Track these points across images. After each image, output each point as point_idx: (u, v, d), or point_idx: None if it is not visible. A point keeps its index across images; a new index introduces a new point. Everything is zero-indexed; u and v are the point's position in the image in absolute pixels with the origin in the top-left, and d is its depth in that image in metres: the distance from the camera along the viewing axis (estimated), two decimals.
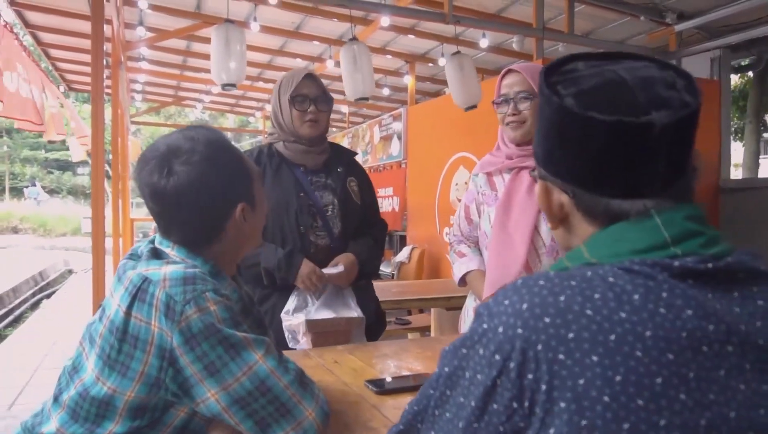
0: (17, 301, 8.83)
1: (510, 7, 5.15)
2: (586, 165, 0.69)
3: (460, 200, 2.07)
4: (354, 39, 4.20)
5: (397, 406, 1.19)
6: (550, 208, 0.75)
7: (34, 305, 8.84)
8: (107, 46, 4.89)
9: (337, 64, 6.24)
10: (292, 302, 1.89)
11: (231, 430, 1.00)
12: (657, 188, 0.68)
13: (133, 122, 10.77)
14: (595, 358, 0.57)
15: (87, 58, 6.93)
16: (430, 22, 5.25)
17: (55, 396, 1.05)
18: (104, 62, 3.71)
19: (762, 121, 8.28)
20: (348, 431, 1.08)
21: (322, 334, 1.83)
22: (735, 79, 9.16)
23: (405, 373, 1.43)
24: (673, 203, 0.68)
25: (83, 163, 24.73)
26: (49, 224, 20.45)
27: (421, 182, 5.76)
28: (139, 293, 0.98)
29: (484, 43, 5.57)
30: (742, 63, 6.35)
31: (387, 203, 6.89)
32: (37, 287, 10.20)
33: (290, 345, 1.85)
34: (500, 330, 0.63)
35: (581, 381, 0.57)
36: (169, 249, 1.10)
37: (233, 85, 3.91)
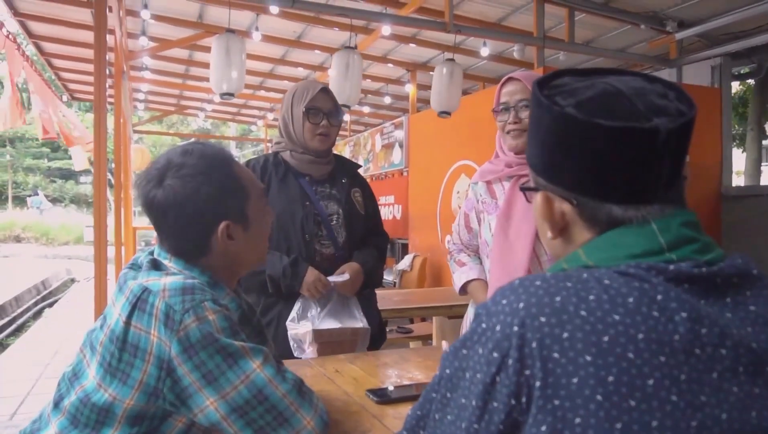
0: (19, 310, 8.83)
1: (510, 16, 5.17)
2: (590, 172, 0.70)
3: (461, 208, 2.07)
4: (350, 47, 4.23)
5: (398, 416, 1.19)
6: (551, 218, 0.75)
7: (37, 314, 8.84)
8: (110, 56, 4.91)
9: None
10: (296, 311, 1.89)
11: None
12: (659, 194, 0.69)
13: (135, 131, 10.80)
14: (588, 358, 0.58)
15: (90, 67, 6.96)
16: (431, 31, 5.27)
17: (55, 402, 1.06)
18: (107, 72, 3.73)
19: (763, 128, 8.28)
20: None
21: (329, 344, 1.83)
22: (735, 86, 9.17)
23: (406, 382, 1.43)
24: (672, 210, 0.69)
25: (86, 172, 24.81)
26: (52, 232, 20.46)
27: (423, 190, 5.76)
28: (139, 303, 0.99)
29: (484, 51, 5.59)
30: (742, 71, 6.35)
31: (389, 211, 6.90)
32: (39, 296, 10.21)
33: (295, 354, 1.85)
34: (498, 328, 0.64)
35: (575, 380, 0.58)
36: (167, 261, 1.11)
37: (232, 95, 3.93)
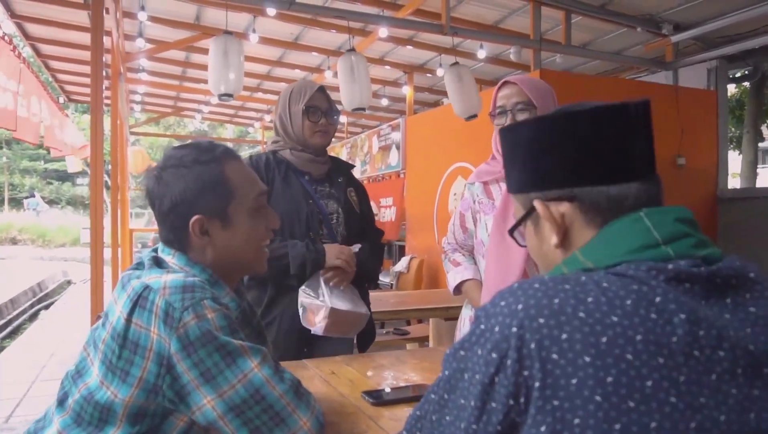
0: (15, 312, 8.81)
1: (507, 18, 5.19)
2: (578, 159, 0.74)
3: None
4: (351, 50, 4.23)
5: (394, 417, 1.19)
6: (554, 221, 0.77)
7: (33, 317, 8.82)
8: (107, 58, 4.91)
9: (336, 74, 6.28)
10: (308, 285, 1.90)
11: None
12: (645, 169, 0.74)
13: (132, 133, 10.79)
14: (587, 359, 0.59)
15: (86, 69, 6.96)
16: (428, 33, 5.28)
17: (60, 400, 1.07)
18: (104, 73, 3.73)
19: (759, 131, 8.29)
20: None
21: (337, 322, 1.85)
22: (731, 89, 9.20)
23: (402, 384, 1.43)
24: (657, 189, 0.74)
25: (82, 173, 24.74)
26: (48, 234, 20.43)
27: (420, 191, 5.77)
28: (139, 301, 1.00)
29: (481, 54, 5.61)
30: (738, 74, 6.37)
31: (387, 213, 6.90)
32: (35, 298, 10.19)
33: (302, 322, 1.85)
34: (497, 329, 0.65)
35: (574, 381, 0.59)
36: (170, 257, 1.13)
37: (230, 96, 3.93)
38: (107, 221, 4.74)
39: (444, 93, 6.23)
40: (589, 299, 0.62)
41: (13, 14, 5.53)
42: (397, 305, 3.44)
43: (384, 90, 7.84)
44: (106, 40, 4.76)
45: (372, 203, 2.38)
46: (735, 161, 9.58)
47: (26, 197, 26.25)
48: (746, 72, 6.25)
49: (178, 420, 1.01)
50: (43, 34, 6.22)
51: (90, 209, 3.47)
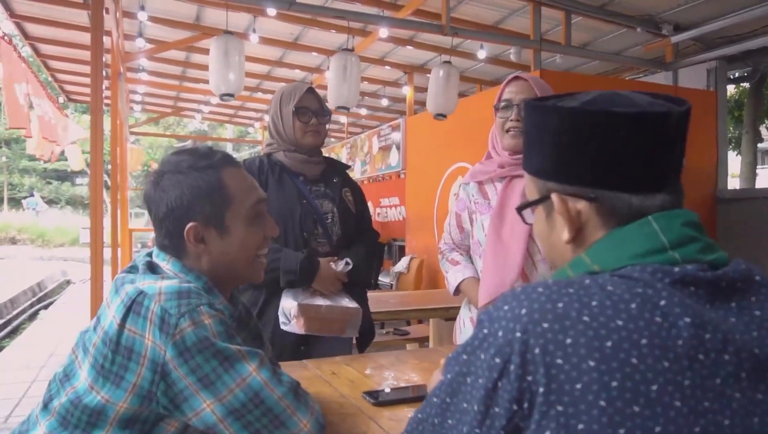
0: (15, 312, 8.80)
1: (507, 18, 5.19)
2: (608, 163, 0.71)
3: None
4: (348, 50, 4.24)
5: (394, 418, 1.19)
6: (570, 218, 0.75)
7: (32, 316, 8.81)
8: (107, 58, 4.91)
9: None
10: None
11: None
12: (672, 182, 0.72)
13: (132, 133, 10.79)
14: (591, 363, 0.58)
15: (86, 69, 6.96)
16: (428, 34, 5.28)
17: (45, 403, 1.05)
18: (104, 73, 3.72)
19: (758, 131, 8.30)
20: None
21: (316, 319, 1.85)
22: (731, 89, 9.20)
23: (402, 385, 1.43)
24: (679, 200, 0.72)
25: (82, 173, 24.71)
26: (48, 234, 20.41)
27: (420, 192, 5.77)
28: (133, 306, 0.98)
29: (481, 54, 5.61)
30: (737, 75, 6.37)
31: (392, 212, 6.90)
32: (35, 298, 10.17)
33: (281, 326, 1.86)
34: (500, 334, 0.64)
35: (578, 386, 0.58)
36: (165, 263, 1.12)
37: (231, 96, 3.93)
38: (107, 221, 4.74)
39: None
40: (594, 303, 0.62)
41: (12, 14, 5.53)
42: (398, 306, 3.43)
43: (384, 90, 7.84)
44: (106, 40, 4.76)
45: (370, 204, 2.38)
46: (733, 161, 9.58)
47: (25, 197, 26.23)
48: (745, 73, 6.26)
49: (169, 426, 1.00)
50: (43, 33, 6.22)
51: (90, 209, 3.47)
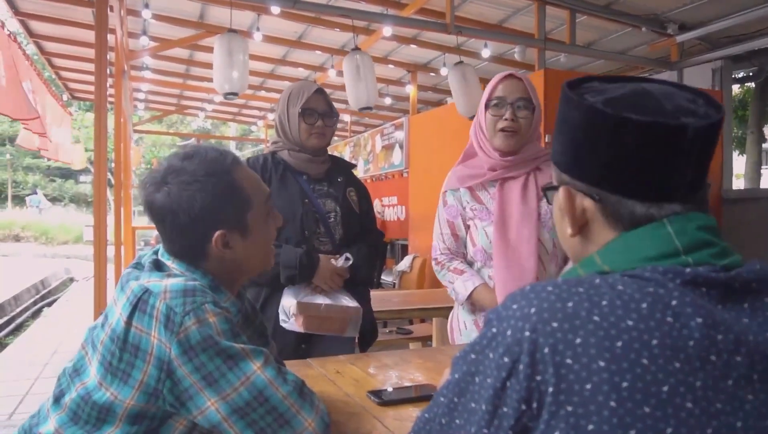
0: (18, 309, 8.82)
1: (512, 17, 5.18)
2: (615, 167, 0.70)
3: None
4: (356, 49, 4.23)
5: (399, 417, 1.19)
6: (572, 214, 0.75)
7: (36, 314, 8.83)
8: (111, 56, 4.92)
9: (339, 73, 6.27)
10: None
11: None
12: (683, 195, 0.70)
13: (135, 131, 10.80)
14: (602, 364, 0.58)
15: (90, 66, 6.96)
16: (432, 32, 5.27)
17: (56, 397, 1.06)
18: (108, 71, 3.73)
19: (762, 132, 8.29)
20: None
21: (316, 318, 1.84)
22: (735, 89, 9.18)
23: (407, 384, 1.43)
24: (691, 212, 0.69)
25: (85, 171, 24.74)
26: (51, 232, 20.44)
27: (423, 191, 5.76)
28: (139, 304, 0.99)
29: (485, 53, 5.60)
30: (741, 75, 6.36)
31: (392, 212, 6.89)
32: (38, 296, 10.19)
33: (281, 323, 1.86)
34: (509, 333, 0.63)
35: (588, 386, 0.57)
36: (170, 262, 1.12)
37: (235, 94, 3.93)
38: (110, 219, 4.75)
39: (448, 92, 6.23)
40: (604, 303, 0.61)
41: (17, 12, 5.54)
42: (400, 305, 3.43)
43: (387, 89, 7.83)
44: (110, 38, 4.76)
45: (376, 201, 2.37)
46: (738, 162, 9.56)
47: (29, 195, 26.29)
48: (750, 73, 6.24)
49: (177, 424, 1.01)
50: (47, 31, 6.23)
51: (94, 207, 3.47)
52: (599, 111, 0.69)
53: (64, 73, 8.18)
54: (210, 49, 4.74)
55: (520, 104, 1.84)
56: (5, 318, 8.03)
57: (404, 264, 5.78)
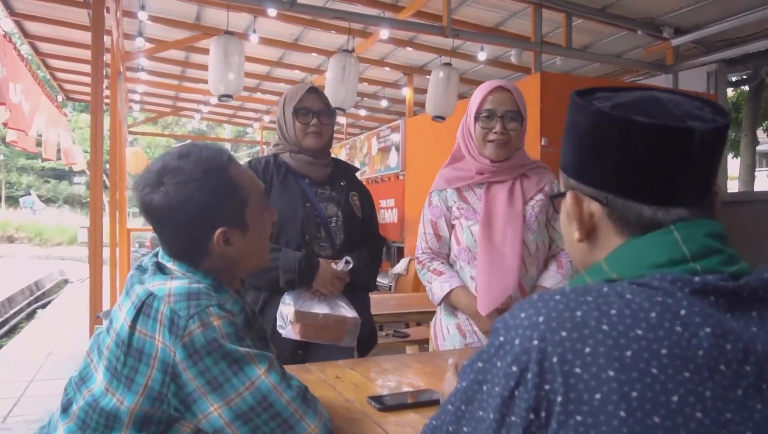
0: (12, 311, 8.78)
1: (508, 20, 5.19)
2: (623, 170, 0.70)
3: None
4: (348, 51, 4.24)
5: (400, 423, 1.18)
6: (580, 218, 0.75)
7: (30, 316, 8.80)
8: (106, 57, 4.89)
9: None
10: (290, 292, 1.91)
11: None
12: (691, 199, 0.70)
13: (130, 132, 10.77)
14: (611, 373, 0.58)
15: (85, 68, 6.95)
16: (429, 35, 5.28)
17: (64, 407, 1.06)
18: (103, 73, 3.71)
19: (756, 134, 8.32)
20: None
21: (313, 327, 1.84)
22: (729, 92, 9.22)
23: (407, 389, 1.43)
24: (699, 218, 0.69)
25: (80, 172, 24.63)
26: (45, 233, 20.36)
27: (419, 193, 5.76)
28: (144, 308, 0.99)
29: (482, 56, 5.60)
30: (734, 78, 6.39)
31: (388, 214, 6.89)
32: (32, 297, 10.16)
33: (278, 329, 1.86)
34: (517, 342, 0.63)
35: (597, 395, 0.57)
36: (170, 264, 1.11)
37: (230, 97, 3.92)
38: (105, 221, 4.73)
39: None
40: (613, 312, 0.61)
41: (12, 12, 5.52)
42: (397, 308, 3.44)
43: (384, 91, 7.83)
44: (106, 40, 4.75)
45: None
46: (731, 164, 9.59)
47: (23, 196, 26.16)
48: (745, 76, 6.27)
49: (183, 427, 1.00)
50: (43, 32, 6.20)
51: (90, 209, 3.46)
52: (607, 114, 0.70)
53: (58, 74, 8.14)
54: (206, 51, 4.71)
55: (510, 116, 1.87)
56: None
57: (400, 267, 5.78)
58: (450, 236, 1.97)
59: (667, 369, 0.57)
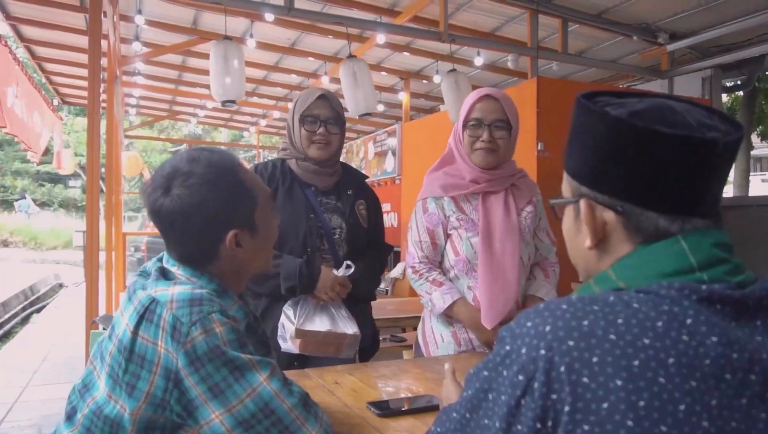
0: (7, 316, 8.73)
1: (504, 26, 5.21)
2: (643, 180, 0.70)
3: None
4: (352, 56, 4.24)
5: (400, 429, 1.18)
6: (594, 226, 0.75)
7: (24, 320, 8.75)
8: (103, 61, 4.88)
9: (332, 80, 6.28)
10: (294, 299, 1.89)
11: None
12: (708, 209, 0.70)
13: (126, 136, 10.75)
14: (619, 382, 0.58)
15: (81, 71, 6.92)
16: (425, 40, 5.29)
17: (68, 415, 1.06)
18: (100, 77, 3.70)
19: (750, 139, 8.37)
20: None
21: (313, 342, 1.84)
22: (724, 97, 9.27)
23: (406, 395, 1.43)
24: (708, 229, 0.70)
25: (75, 176, 24.54)
26: (40, 237, 20.27)
27: (415, 198, 5.76)
28: (146, 314, 0.99)
29: (478, 61, 5.62)
30: (728, 84, 6.43)
31: (384, 219, 6.88)
32: (27, 302, 10.10)
33: (279, 340, 1.84)
34: (523, 351, 0.63)
35: (605, 405, 0.57)
36: (175, 268, 1.11)
37: (233, 102, 3.93)
38: (101, 225, 4.71)
39: (440, 99, 6.25)
40: (619, 321, 0.61)
41: (8, 16, 5.51)
42: (395, 313, 3.43)
43: (380, 96, 7.84)
44: (103, 44, 4.74)
45: None
46: None
47: (17, 199, 26.05)
48: (739, 81, 6.30)
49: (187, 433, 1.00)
50: (39, 36, 6.19)
51: (86, 213, 3.44)
52: (628, 124, 0.69)
53: (55, 78, 8.13)
54: (202, 55, 4.73)
55: (497, 125, 1.88)
56: None
57: (397, 271, 5.77)
58: (446, 245, 1.94)
59: (675, 378, 0.57)
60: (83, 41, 4.15)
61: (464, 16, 5.03)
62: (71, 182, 27.79)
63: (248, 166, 1.35)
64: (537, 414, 0.60)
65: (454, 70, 4.61)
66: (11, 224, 21.37)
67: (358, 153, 8.23)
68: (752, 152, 10.05)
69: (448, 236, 1.94)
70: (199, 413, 0.96)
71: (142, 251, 11.29)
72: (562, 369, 0.60)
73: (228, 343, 0.98)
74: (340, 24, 4.39)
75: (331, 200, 2.00)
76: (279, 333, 1.86)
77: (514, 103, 1.97)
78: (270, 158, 2.17)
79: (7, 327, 8.18)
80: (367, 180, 2.23)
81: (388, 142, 7.29)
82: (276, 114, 9.27)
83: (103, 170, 5.71)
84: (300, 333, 1.82)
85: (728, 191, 10.20)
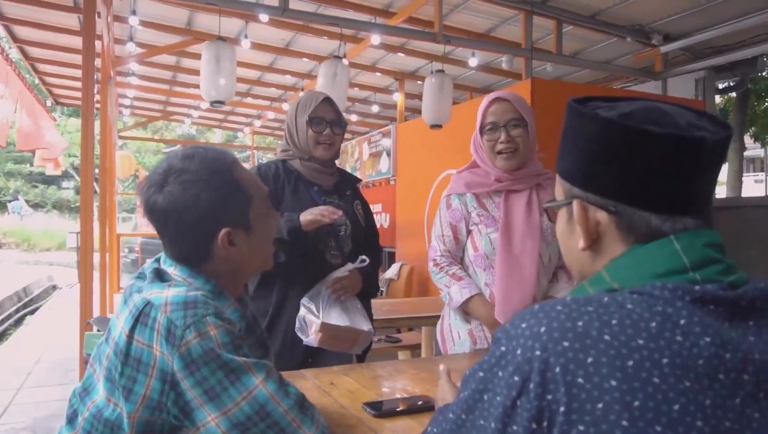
0: (0, 318, 8.69)
1: (499, 27, 5.22)
2: (634, 179, 0.70)
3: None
4: (338, 57, 4.25)
5: (396, 429, 1.19)
6: (587, 227, 0.75)
7: (18, 322, 8.70)
8: (97, 62, 4.87)
9: None
10: (311, 293, 1.90)
11: None
12: (697, 208, 0.71)
13: (120, 137, 10.72)
14: (613, 383, 0.58)
15: (75, 72, 6.91)
16: (420, 41, 5.30)
17: (69, 418, 1.06)
18: (94, 77, 3.69)
19: (743, 140, 8.42)
20: None
21: (333, 337, 1.85)
22: (717, 99, 9.33)
23: (402, 395, 1.43)
24: (700, 229, 0.70)
25: (67, 177, 24.43)
26: (33, 238, 20.16)
27: (410, 198, 5.77)
28: (141, 317, 0.98)
29: (473, 62, 5.64)
30: (721, 85, 6.46)
31: (379, 219, 6.90)
32: (20, 304, 10.04)
33: (298, 333, 1.86)
34: (519, 352, 0.64)
35: (600, 405, 0.58)
36: (172, 268, 1.10)
37: (222, 103, 3.93)
38: (95, 226, 4.69)
39: None
40: (614, 322, 0.62)
41: (1, 17, 5.48)
42: (389, 314, 3.43)
43: (375, 97, 7.85)
44: (97, 44, 4.72)
45: None
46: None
47: (10, 201, 25.91)
48: (732, 83, 6.35)
49: None
50: (32, 36, 6.16)
51: (80, 214, 3.42)
52: (619, 124, 0.70)
53: (48, 79, 8.10)
54: (197, 56, 4.71)
55: (513, 124, 1.90)
56: None
57: (392, 272, 5.78)
58: (467, 240, 1.98)
59: (669, 379, 0.58)
60: (77, 42, 4.16)
61: (459, 17, 5.04)
62: (64, 184, 27.66)
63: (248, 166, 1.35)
64: (532, 414, 0.61)
65: (441, 71, 4.62)
66: (4, 225, 21.24)
67: (353, 154, 8.23)
68: (745, 153, 10.12)
69: (469, 232, 1.98)
70: (196, 415, 0.96)
71: (137, 253, 11.26)
72: (557, 369, 0.60)
73: (223, 346, 0.97)
74: (334, 25, 4.39)
75: (334, 199, 2.07)
76: (297, 325, 1.87)
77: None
78: (266, 159, 2.19)
79: (0, 329, 8.14)
80: (363, 181, 2.29)
81: (383, 142, 7.30)
82: (270, 115, 9.27)
83: (96, 171, 5.70)
84: (325, 327, 1.83)
85: (721, 192, 10.26)
